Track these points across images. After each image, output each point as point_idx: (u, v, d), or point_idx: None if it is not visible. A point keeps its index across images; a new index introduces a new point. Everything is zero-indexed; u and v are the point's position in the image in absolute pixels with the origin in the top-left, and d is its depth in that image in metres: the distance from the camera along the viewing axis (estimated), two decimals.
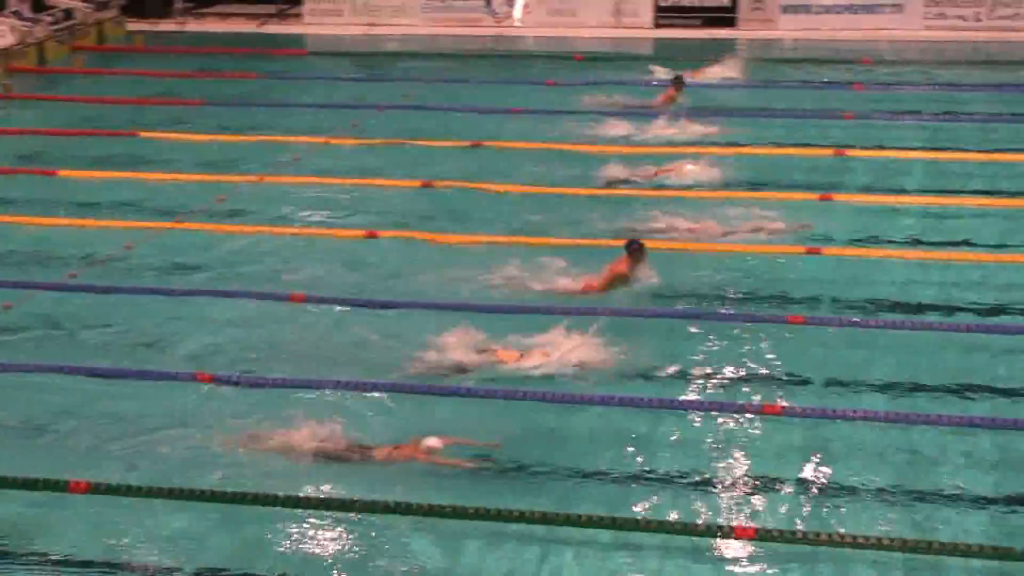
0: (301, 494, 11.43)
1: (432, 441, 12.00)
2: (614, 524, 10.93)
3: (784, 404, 12.91)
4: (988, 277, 16.06)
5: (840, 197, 18.90)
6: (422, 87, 25.87)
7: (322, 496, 11.45)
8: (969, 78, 26.24)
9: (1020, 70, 26.57)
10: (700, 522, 11.02)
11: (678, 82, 24.15)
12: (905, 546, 10.52)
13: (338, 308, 15.50)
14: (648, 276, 15.72)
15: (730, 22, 31.67)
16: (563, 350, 13.70)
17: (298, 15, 33.21)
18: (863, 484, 11.58)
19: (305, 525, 11.12)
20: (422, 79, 26.49)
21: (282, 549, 10.89)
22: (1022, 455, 12.06)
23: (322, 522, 11.16)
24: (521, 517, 11.01)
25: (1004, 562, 10.34)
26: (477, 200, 19.17)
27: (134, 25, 32.55)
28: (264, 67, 28.02)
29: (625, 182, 19.74)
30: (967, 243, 17.13)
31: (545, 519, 10.99)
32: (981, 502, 11.31)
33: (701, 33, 31.20)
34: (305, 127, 23.16)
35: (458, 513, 11.08)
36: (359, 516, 11.20)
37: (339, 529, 11.10)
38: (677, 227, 17.64)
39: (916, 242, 17.29)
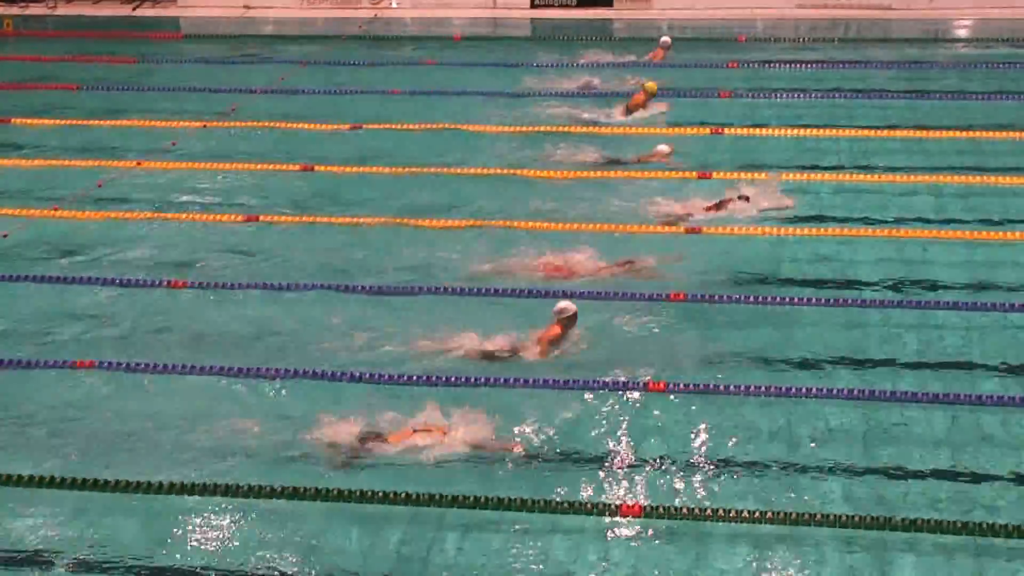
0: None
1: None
2: (500, 504, 11.05)
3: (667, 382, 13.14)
4: (840, 252, 16.50)
5: (717, 175, 19.12)
6: (299, 70, 25.70)
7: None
8: (839, 55, 26.65)
9: (887, 47, 26.99)
10: (585, 500, 11.15)
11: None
12: (786, 519, 10.80)
13: (219, 293, 15.44)
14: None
15: (607, 2, 31.83)
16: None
17: None
18: (740, 458, 11.87)
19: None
20: (299, 62, 26.31)
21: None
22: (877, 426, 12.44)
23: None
24: (385, 499, 11.14)
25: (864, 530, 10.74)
26: (359, 183, 19.15)
27: (2, 9, 31.88)
28: (138, 51, 27.63)
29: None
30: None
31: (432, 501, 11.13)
32: (846, 472, 11.68)
33: (578, 13, 31.32)
34: (182, 112, 22.92)
35: None
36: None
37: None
38: (546, 209, 17.82)
39: (794, 219, 17.58)
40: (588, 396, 13.04)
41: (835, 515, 10.84)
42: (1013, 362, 13.64)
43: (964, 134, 20.72)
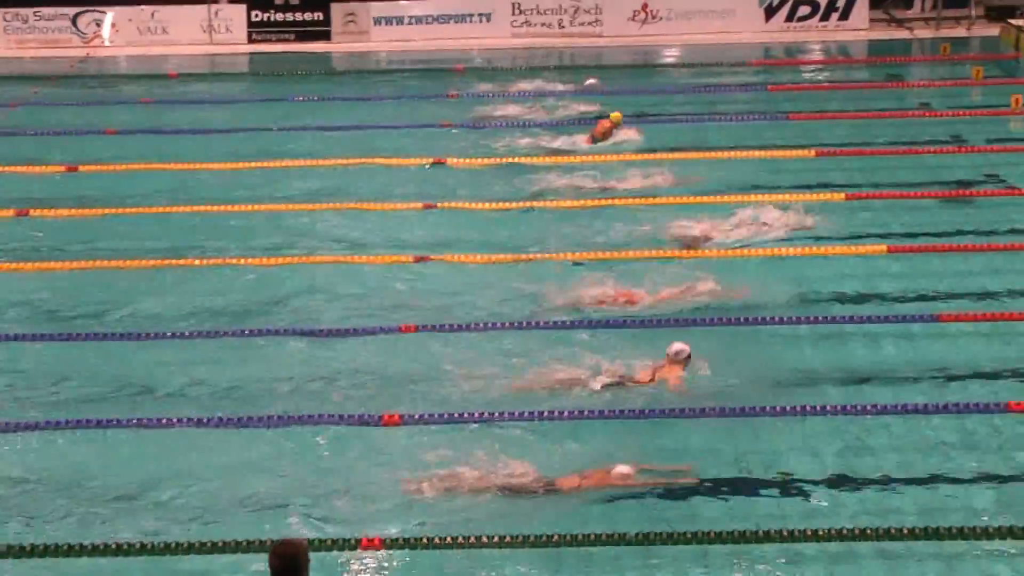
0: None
1: (624, 469, 11.80)
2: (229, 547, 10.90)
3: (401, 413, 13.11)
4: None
5: (444, 205, 19.28)
6: (11, 112, 24.93)
7: None
8: (557, 82, 27.19)
9: (598, 74, 27.56)
10: (327, 537, 11.07)
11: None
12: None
13: None
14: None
15: (325, 35, 31.83)
16: None
17: None
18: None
19: None
20: (8, 104, 25.51)
21: None
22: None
23: None
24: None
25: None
26: (78, 226, 18.67)
27: None
28: None
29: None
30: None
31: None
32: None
33: (296, 47, 31.24)
34: None
35: None
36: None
37: None
38: (299, 245, 17.73)
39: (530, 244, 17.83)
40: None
41: None
42: None
43: (676, 155, 21.38)
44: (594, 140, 22.04)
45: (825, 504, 11.57)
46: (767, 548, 10.70)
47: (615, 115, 22.30)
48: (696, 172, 20.33)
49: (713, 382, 13.65)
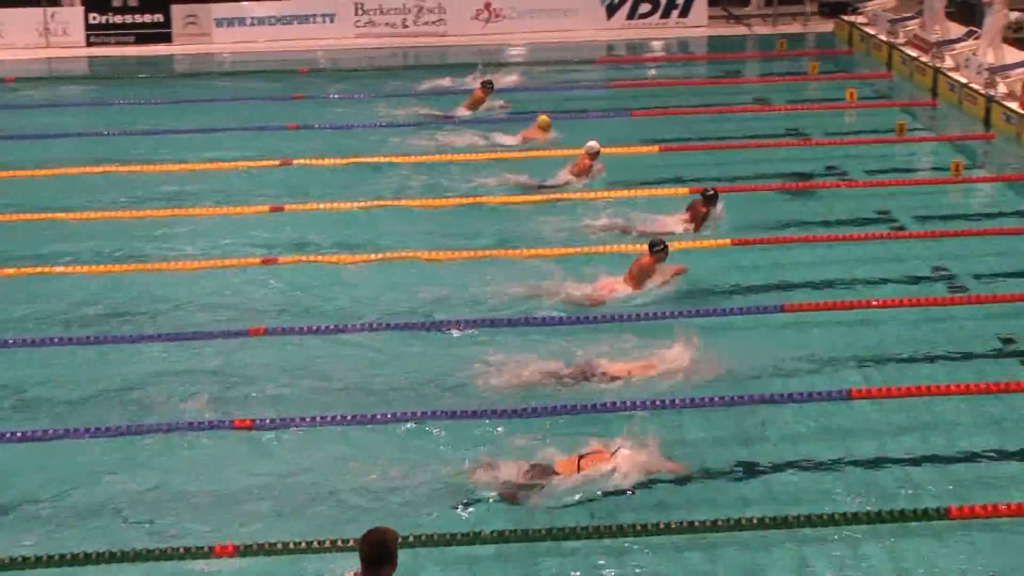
0: None
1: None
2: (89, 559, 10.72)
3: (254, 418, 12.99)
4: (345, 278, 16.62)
5: (292, 207, 19.16)
6: None
7: None
8: (401, 81, 27.18)
9: (449, 74, 27.63)
10: (178, 546, 10.92)
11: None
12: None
13: None
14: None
15: (166, 38, 31.40)
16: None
17: None
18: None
19: None
20: None
21: None
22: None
23: None
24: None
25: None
26: None
27: None
28: None
29: None
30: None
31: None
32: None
33: (136, 50, 30.78)
34: None
35: None
36: None
37: None
38: (142, 251, 17.51)
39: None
40: None
41: None
42: None
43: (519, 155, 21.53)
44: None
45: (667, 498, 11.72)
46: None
47: (543, 118, 22.00)
48: (540, 171, 20.41)
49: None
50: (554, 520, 11.12)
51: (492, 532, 10.87)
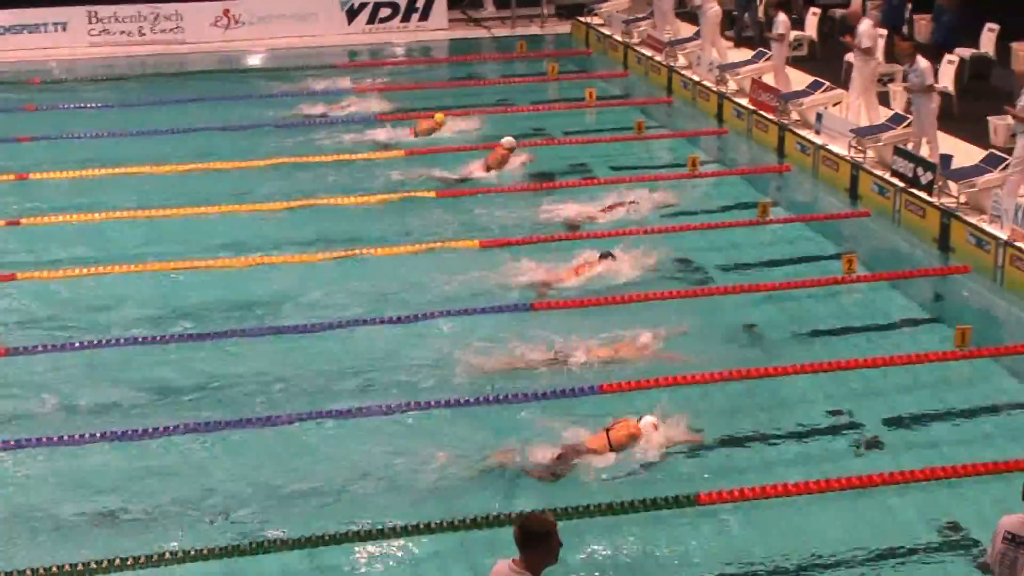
0: None
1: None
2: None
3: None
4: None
5: (29, 221, 18.64)
6: None
7: None
8: (139, 90, 26.70)
9: (192, 80, 27.23)
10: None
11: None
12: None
13: None
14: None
15: None
16: None
17: None
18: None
19: None
20: None
21: None
22: None
23: None
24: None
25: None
26: None
27: None
28: None
29: None
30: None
31: None
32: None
33: None
34: None
35: None
36: None
37: None
38: None
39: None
40: None
41: None
42: None
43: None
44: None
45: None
46: None
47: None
48: (305, 178, 20.39)
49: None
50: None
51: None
